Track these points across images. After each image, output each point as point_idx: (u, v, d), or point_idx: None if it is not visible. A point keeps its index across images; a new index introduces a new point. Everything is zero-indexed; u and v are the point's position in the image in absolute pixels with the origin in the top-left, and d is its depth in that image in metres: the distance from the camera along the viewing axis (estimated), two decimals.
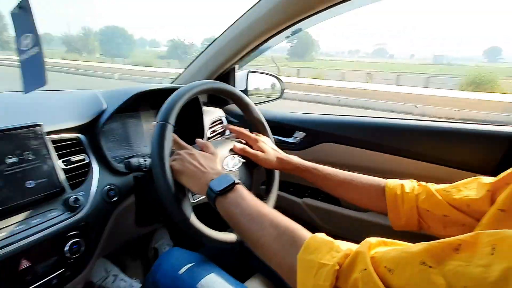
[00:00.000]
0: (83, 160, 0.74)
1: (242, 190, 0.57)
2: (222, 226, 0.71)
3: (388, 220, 0.66)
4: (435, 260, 0.31)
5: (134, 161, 0.74)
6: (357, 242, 0.41)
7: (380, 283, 0.33)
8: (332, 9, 0.89)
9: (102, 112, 0.81)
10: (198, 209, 0.69)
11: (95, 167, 0.76)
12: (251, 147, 0.81)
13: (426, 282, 0.30)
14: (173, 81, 1.29)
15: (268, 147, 0.81)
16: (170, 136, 0.66)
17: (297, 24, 0.98)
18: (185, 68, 1.24)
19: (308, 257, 0.40)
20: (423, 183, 0.65)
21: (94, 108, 0.81)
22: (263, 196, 0.87)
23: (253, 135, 0.83)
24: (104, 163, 0.78)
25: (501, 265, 0.27)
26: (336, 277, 0.37)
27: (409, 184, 0.65)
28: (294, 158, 0.80)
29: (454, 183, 0.62)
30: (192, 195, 0.71)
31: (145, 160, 0.75)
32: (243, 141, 0.83)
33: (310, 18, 0.94)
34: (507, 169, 0.55)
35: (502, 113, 6.78)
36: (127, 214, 0.84)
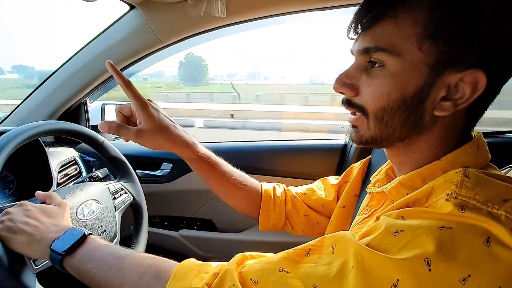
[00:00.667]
0: None
1: (94, 241, 0.50)
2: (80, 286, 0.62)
3: (260, 235, 0.71)
4: (291, 266, 0.36)
5: None
6: None
7: None
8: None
9: None
10: (46, 275, 0.57)
11: None
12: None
13: (285, 286, 0.35)
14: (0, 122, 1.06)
15: (156, 113, 0.56)
16: None
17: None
18: (16, 107, 1.04)
19: (177, 285, 0.39)
20: (287, 187, 0.72)
21: None
22: (133, 237, 0.81)
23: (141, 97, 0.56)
24: None
25: (339, 261, 0.34)
26: None
27: (278, 188, 0.72)
28: (196, 143, 0.62)
29: (309, 186, 0.72)
30: (34, 261, 0.57)
31: None
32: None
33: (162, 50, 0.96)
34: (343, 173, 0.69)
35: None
36: None
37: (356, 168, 0.67)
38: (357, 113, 0.43)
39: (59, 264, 0.49)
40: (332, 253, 0.36)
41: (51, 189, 0.89)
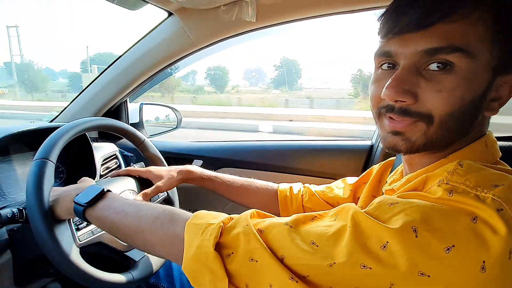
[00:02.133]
0: None
1: (113, 195, 0.57)
2: (119, 267, 0.68)
3: None
4: (295, 224, 0.40)
5: (5, 212, 0.65)
6: None
7: (257, 235, 0.39)
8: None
9: None
10: (89, 254, 0.64)
11: None
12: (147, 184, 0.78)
13: (285, 234, 0.38)
14: (53, 119, 1.18)
15: (159, 171, 0.79)
16: (51, 174, 0.61)
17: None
18: (68, 105, 1.16)
19: (196, 222, 0.44)
20: (307, 185, 0.77)
21: None
22: None
23: (141, 169, 0.81)
24: None
25: (339, 224, 0.37)
26: (220, 233, 0.41)
27: (296, 186, 0.77)
28: (194, 168, 0.79)
29: (328, 185, 0.76)
30: (78, 237, 0.65)
31: (19, 209, 0.67)
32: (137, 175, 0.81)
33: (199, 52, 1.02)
34: None
35: None
36: (3, 274, 0.72)
37: (376, 169, 0.68)
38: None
39: (82, 215, 0.55)
40: (334, 219, 0.39)
41: (95, 180, 0.98)
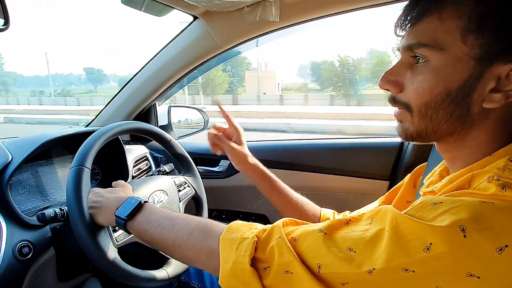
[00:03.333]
0: None
1: (150, 208, 0.59)
2: (152, 265, 0.71)
3: None
4: (329, 230, 0.39)
5: (49, 212, 0.70)
6: None
7: (291, 247, 0.39)
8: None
9: (7, 164, 0.75)
10: (125, 252, 0.68)
11: (3, 225, 0.69)
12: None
13: (320, 242, 0.38)
14: (89, 123, 1.24)
15: (243, 142, 0.78)
16: (88, 180, 0.65)
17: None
18: (101, 110, 1.22)
19: (230, 236, 0.45)
20: (346, 213, 0.73)
21: None
22: None
23: (236, 124, 0.79)
24: (14, 219, 0.72)
25: (376, 228, 0.36)
26: (255, 248, 0.42)
27: (337, 216, 0.74)
28: (259, 163, 0.77)
29: (362, 208, 0.72)
30: (115, 238, 0.68)
31: (61, 209, 0.72)
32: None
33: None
34: (399, 173, 0.69)
35: None
36: (47, 271, 0.77)
37: (407, 178, 0.66)
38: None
39: (123, 228, 0.59)
40: (370, 223, 0.38)
41: (128, 181, 1.03)
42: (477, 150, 0.41)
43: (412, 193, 0.63)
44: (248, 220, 0.94)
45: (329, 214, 0.74)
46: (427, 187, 0.50)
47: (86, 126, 1.24)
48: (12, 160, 0.76)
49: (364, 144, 1.10)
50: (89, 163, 0.66)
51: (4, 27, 0.57)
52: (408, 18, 0.41)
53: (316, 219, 0.74)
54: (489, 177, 0.34)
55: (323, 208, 0.76)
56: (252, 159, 0.77)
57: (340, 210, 0.77)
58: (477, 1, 0.36)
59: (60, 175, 0.94)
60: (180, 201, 0.85)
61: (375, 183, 1.05)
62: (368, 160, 1.07)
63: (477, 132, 0.40)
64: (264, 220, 1.22)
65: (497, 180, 0.33)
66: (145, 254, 0.74)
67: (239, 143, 0.77)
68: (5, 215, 0.71)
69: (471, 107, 0.38)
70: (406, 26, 0.42)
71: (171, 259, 0.74)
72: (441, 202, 0.33)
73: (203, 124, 1.46)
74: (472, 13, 0.36)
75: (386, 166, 1.04)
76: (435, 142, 0.46)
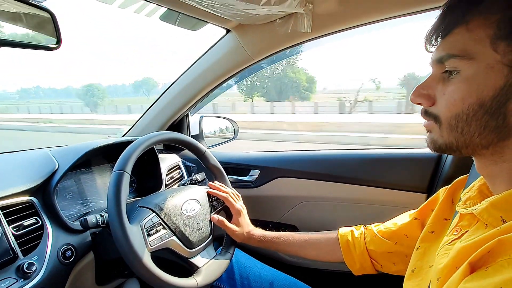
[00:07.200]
0: (36, 223, 0.72)
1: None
2: (183, 272, 0.72)
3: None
4: None
5: (90, 217, 0.74)
6: None
7: None
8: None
9: (54, 172, 0.81)
10: (156, 258, 0.69)
11: (49, 229, 0.74)
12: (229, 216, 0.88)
13: None
14: (125, 134, 1.31)
15: (244, 222, 0.86)
16: (127, 184, 0.68)
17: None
18: (137, 121, 1.27)
19: None
20: (369, 226, 0.74)
21: (45, 169, 0.81)
22: (225, 237, 0.90)
23: (238, 206, 0.87)
24: (59, 223, 0.77)
25: None
26: None
27: (357, 230, 0.74)
28: (257, 232, 0.85)
29: (392, 220, 0.71)
30: (149, 242, 0.69)
31: (101, 216, 0.76)
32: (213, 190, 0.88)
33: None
34: (437, 185, 0.65)
35: None
36: (86, 274, 0.81)
37: (443, 192, 0.62)
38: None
39: None
40: None
41: (161, 189, 1.06)
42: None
43: (450, 210, 0.59)
44: (278, 231, 0.95)
45: (347, 232, 0.75)
46: (464, 204, 0.47)
47: (123, 136, 1.30)
48: (59, 168, 0.82)
49: (400, 155, 1.06)
50: (129, 168, 0.69)
51: (56, 45, 0.62)
52: (437, 33, 0.41)
53: (334, 243, 0.75)
54: None
55: (340, 228, 0.77)
56: (253, 232, 0.85)
57: (373, 222, 0.75)
58: (506, 8, 0.35)
59: (99, 182, 0.99)
60: (211, 211, 0.86)
61: (411, 196, 1.01)
62: (404, 171, 1.03)
63: None
64: (295, 230, 1.20)
65: None
66: (175, 261, 0.76)
67: (238, 224, 0.85)
68: (51, 219, 0.76)
69: (507, 117, 0.36)
70: (435, 41, 0.42)
71: (201, 267, 0.75)
72: None
73: (233, 133, 1.48)
74: (501, 20, 0.35)
75: (424, 177, 0.99)
76: (473, 158, 0.44)
